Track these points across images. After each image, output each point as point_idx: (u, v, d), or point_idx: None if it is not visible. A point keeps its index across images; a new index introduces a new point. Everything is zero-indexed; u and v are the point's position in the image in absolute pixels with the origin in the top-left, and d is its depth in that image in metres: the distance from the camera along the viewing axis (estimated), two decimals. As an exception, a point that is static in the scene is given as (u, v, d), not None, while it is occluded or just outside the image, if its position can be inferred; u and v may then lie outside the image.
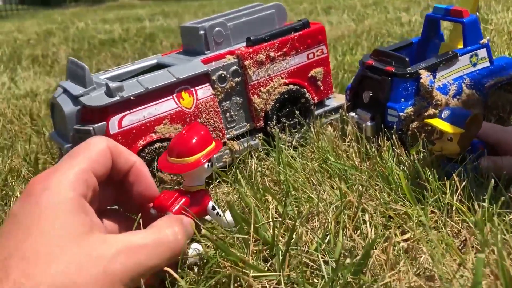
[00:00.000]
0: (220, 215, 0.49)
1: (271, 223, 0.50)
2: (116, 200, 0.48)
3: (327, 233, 0.48)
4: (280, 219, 0.51)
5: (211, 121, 0.65)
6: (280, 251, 0.45)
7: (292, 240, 0.46)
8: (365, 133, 0.69)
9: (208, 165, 0.47)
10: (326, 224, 0.50)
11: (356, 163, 0.65)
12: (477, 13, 0.71)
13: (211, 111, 0.65)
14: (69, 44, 2.30)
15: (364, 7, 2.61)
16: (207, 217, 0.51)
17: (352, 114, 0.72)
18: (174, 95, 0.63)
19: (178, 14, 3.72)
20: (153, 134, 0.61)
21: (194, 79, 0.64)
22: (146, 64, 0.72)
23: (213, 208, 0.49)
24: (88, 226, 0.37)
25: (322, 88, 0.76)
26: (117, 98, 0.58)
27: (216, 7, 4.11)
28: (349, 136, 0.69)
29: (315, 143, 0.68)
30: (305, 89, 0.73)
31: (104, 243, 0.37)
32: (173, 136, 0.61)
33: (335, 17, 2.26)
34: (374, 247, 0.46)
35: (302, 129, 0.73)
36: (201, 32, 0.68)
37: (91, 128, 0.58)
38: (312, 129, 0.72)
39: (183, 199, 0.47)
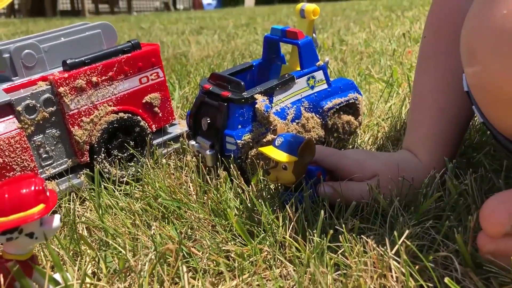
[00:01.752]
0: None
1: (75, 284, 0.42)
2: None
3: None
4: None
5: (18, 160, 0.55)
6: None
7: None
8: (205, 163, 0.63)
9: (12, 236, 0.36)
10: (141, 280, 0.42)
11: (194, 197, 0.59)
12: (314, 35, 0.70)
13: (17, 148, 0.55)
14: None
15: (236, 27, 2.64)
16: None
17: (192, 142, 0.66)
18: (-37, 132, 0.51)
19: (43, 33, 3.45)
20: None
21: (-9, 111, 0.53)
22: None
23: None
24: None
25: (160, 114, 0.69)
26: None
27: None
28: (186, 168, 0.63)
29: (145, 179, 0.61)
30: (139, 117, 0.66)
31: None
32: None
33: (205, 37, 2.24)
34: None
35: (139, 162, 0.65)
36: (5, 55, 0.58)
37: None
38: (147, 161, 0.65)
39: None
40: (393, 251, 0.42)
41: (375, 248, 0.44)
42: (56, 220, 0.38)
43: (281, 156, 0.50)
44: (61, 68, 0.61)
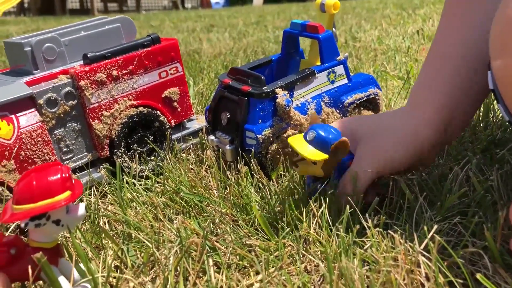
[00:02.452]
0: None
1: (100, 277, 0.41)
2: None
3: (166, 285, 0.41)
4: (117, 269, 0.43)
5: (39, 153, 0.55)
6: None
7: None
8: (225, 158, 0.63)
9: (40, 222, 0.36)
10: (166, 273, 0.42)
11: (215, 192, 0.58)
12: (334, 29, 0.69)
13: (38, 141, 0.55)
14: None
15: (246, 25, 2.63)
16: None
17: (212, 137, 0.65)
18: (-13, 125, 0.51)
19: (53, 31, 3.46)
20: (-43, 174, 0.49)
21: (14, 104, 0.53)
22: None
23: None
24: None
25: (179, 109, 0.69)
26: None
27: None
28: (206, 163, 0.63)
29: (166, 173, 0.60)
30: (158, 111, 0.65)
31: None
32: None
33: (216, 35, 2.23)
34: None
35: (159, 156, 0.65)
36: (27, 48, 0.58)
37: None
38: (167, 156, 0.64)
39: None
40: (422, 247, 0.41)
41: (403, 244, 0.43)
42: (82, 209, 0.38)
43: (311, 154, 0.48)
44: (81, 62, 0.61)
